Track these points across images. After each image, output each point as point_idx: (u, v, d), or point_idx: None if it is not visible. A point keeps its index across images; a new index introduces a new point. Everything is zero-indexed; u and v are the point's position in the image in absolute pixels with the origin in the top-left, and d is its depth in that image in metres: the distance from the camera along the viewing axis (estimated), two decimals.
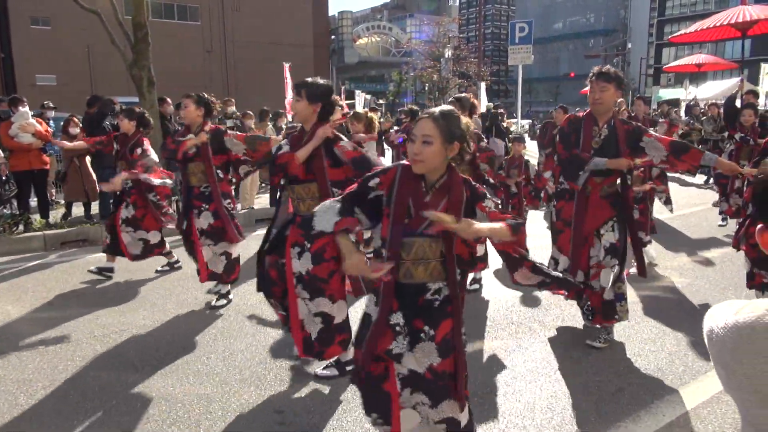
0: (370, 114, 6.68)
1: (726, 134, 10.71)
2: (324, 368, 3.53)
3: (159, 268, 5.88)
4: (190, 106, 4.67)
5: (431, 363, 2.23)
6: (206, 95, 4.81)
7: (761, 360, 0.87)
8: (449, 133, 2.13)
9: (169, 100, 9.35)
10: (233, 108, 10.34)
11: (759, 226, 1.00)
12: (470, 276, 4.93)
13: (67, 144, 6.55)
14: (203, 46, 34.32)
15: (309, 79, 3.36)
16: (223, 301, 4.87)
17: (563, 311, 4.58)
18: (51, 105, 8.95)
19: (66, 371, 3.67)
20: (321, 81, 3.39)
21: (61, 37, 28.75)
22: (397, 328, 2.23)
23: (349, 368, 3.41)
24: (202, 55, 34.03)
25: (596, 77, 3.66)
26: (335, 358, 3.48)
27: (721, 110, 9.48)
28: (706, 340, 0.99)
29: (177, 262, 5.90)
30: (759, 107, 8.16)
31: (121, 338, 4.22)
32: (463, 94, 5.14)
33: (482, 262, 4.77)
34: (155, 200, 5.53)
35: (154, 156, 5.47)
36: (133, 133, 5.48)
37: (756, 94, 8.24)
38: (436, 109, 2.21)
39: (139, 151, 5.38)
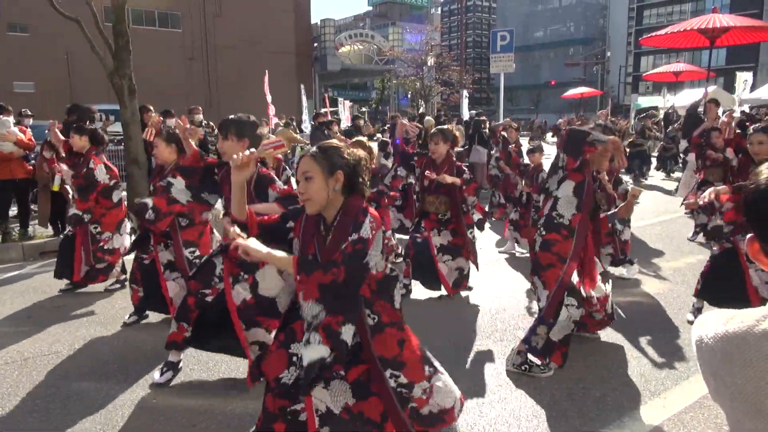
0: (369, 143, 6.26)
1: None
2: (161, 374, 3.57)
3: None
4: (160, 146, 4.25)
5: (346, 402, 2.22)
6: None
7: (751, 371, 0.86)
8: (330, 166, 2.13)
9: (151, 108, 9.24)
10: (200, 116, 9.98)
11: (749, 235, 1.00)
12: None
13: (65, 168, 5.46)
14: (185, 54, 34.07)
15: (233, 116, 3.34)
16: None
17: None
18: (28, 113, 8.81)
19: (46, 384, 3.60)
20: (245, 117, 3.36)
21: (40, 43, 28.33)
22: (294, 359, 2.19)
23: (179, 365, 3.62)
24: (183, 62, 33.78)
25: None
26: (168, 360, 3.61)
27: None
28: (695, 350, 0.99)
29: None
30: (735, 114, 8.32)
31: (103, 350, 4.15)
32: (446, 126, 5.00)
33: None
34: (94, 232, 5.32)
35: (100, 174, 5.16)
36: (87, 150, 5.22)
37: (717, 102, 8.46)
38: (314, 147, 2.21)
39: (84, 169, 5.12)
